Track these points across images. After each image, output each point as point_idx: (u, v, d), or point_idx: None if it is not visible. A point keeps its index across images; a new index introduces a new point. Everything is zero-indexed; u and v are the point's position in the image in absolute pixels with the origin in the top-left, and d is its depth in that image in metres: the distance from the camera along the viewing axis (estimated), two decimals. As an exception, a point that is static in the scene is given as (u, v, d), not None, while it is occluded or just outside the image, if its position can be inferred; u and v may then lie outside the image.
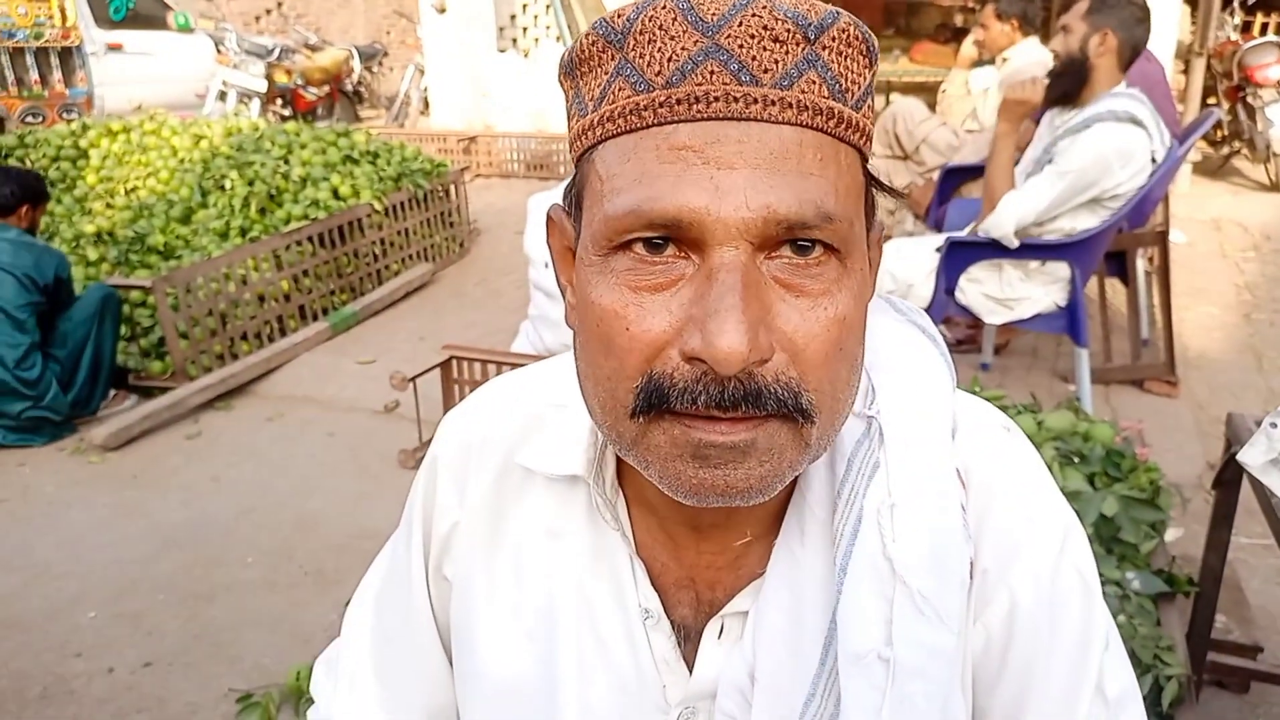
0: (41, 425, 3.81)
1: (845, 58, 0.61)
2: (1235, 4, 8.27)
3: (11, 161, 5.53)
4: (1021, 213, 3.12)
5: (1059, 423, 2.31)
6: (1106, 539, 2.05)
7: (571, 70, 0.65)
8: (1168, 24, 6.20)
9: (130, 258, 4.65)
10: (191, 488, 3.46)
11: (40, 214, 4.08)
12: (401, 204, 5.48)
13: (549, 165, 7.85)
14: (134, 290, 4.27)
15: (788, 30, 0.59)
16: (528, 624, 0.81)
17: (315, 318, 4.85)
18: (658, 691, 0.77)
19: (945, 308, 3.35)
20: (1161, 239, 3.91)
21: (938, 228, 3.95)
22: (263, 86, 9.25)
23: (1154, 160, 3.11)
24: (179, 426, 3.94)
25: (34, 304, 3.78)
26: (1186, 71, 7.11)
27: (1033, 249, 3.21)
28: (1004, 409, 2.41)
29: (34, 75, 8.29)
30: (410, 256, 5.58)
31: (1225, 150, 7.69)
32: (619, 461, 0.77)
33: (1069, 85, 3.16)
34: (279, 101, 9.99)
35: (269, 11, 14.14)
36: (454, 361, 3.43)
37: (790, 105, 0.59)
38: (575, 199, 0.67)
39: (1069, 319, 3.31)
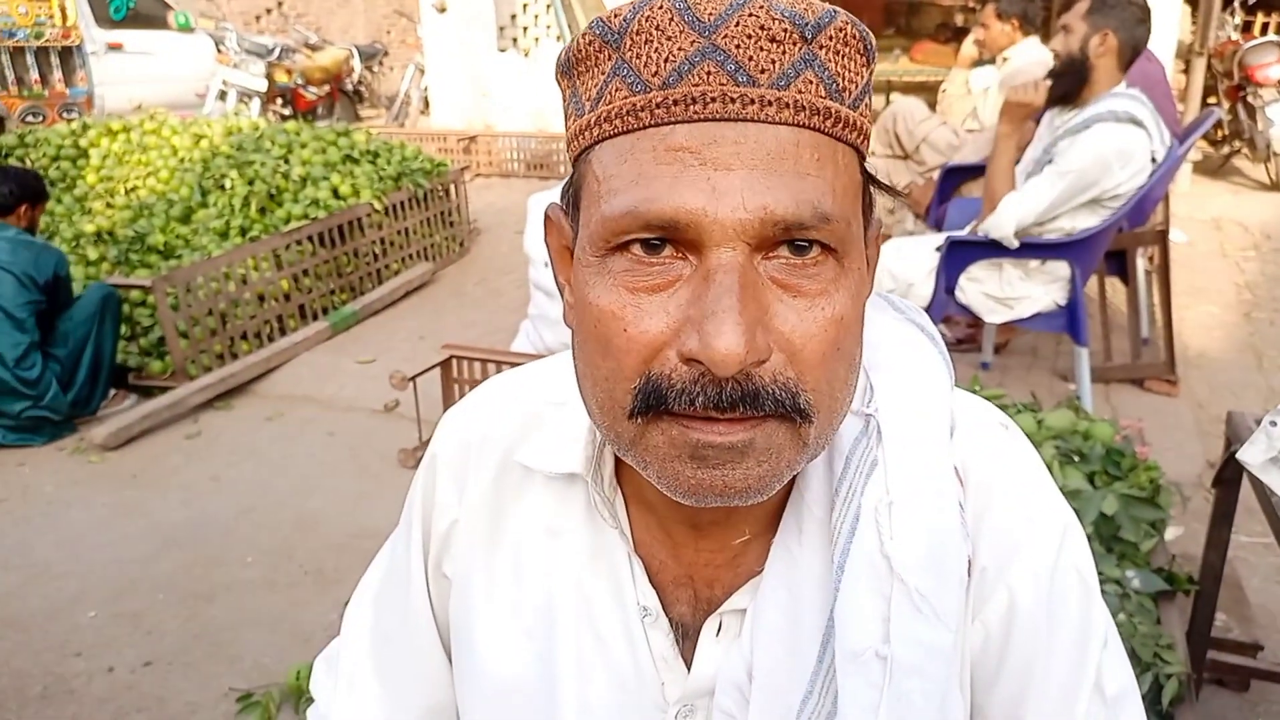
0: (41, 425, 3.81)
1: (842, 57, 0.61)
2: (1236, 4, 8.27)
3: (12, 161, 5.53)
4: (1022, 213, 3.12)
5: (1059, 421, 2.31)
6: (1107, 537, 2.05)
7: (569, 70, 0.65)
8: (1168, 23, 6.20)
9: (130, 257, 4.65)
10: (191, 487, 3.46)
11: (39, 213, 4.09)
12: (401, 203, 5.48)
13: (549, 165, 7.84)
14: (134, 290, 4.27)
15: (785, 30, 0.58)
16: (527, 622, 0.81)
17: (315, 317, 4.85)
18: (656, 689, 0.77)
19: (945, 307, 3.35)
20: (1162, 238, 3.91)
21: (938, 227, 3.95)
22: (263, 86, 9.25)
23: (1154, 160, 3.11)
24: (179, 426, 3.94)
25: (33, 303, 3.78)
26: (1187, 71, 7.11)
27: (1033, 248, 3.21)
28: (1004, 408, 2.41)
29: (34, 75, 8.29)
30: (410, 256, 5.58)
31: (1225, 150, 7.69)
32: (617, 460, 0.77)
33: (1069, 85, 3.16)
34: (279, 101, 9.98)
35: (269, 11, 14.14)
36: (454, 361, 3.43)
37: (787, 105, 0.59)
38: (573, 198, 0.67)
39: (1069, 318, 3.31)
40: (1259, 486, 1.70)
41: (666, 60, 0.59)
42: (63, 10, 8.34)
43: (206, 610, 2.74)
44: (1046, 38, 4.17)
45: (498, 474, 0.83)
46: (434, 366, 3.41)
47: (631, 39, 0.60)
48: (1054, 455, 2.17)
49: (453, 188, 6.00)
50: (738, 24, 0.58)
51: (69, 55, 8.54)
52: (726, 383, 0.59)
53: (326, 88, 10.62)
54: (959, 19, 9.99)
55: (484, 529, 0.83)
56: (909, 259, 3.37)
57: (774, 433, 0.61)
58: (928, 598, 0.67)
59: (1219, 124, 7.47)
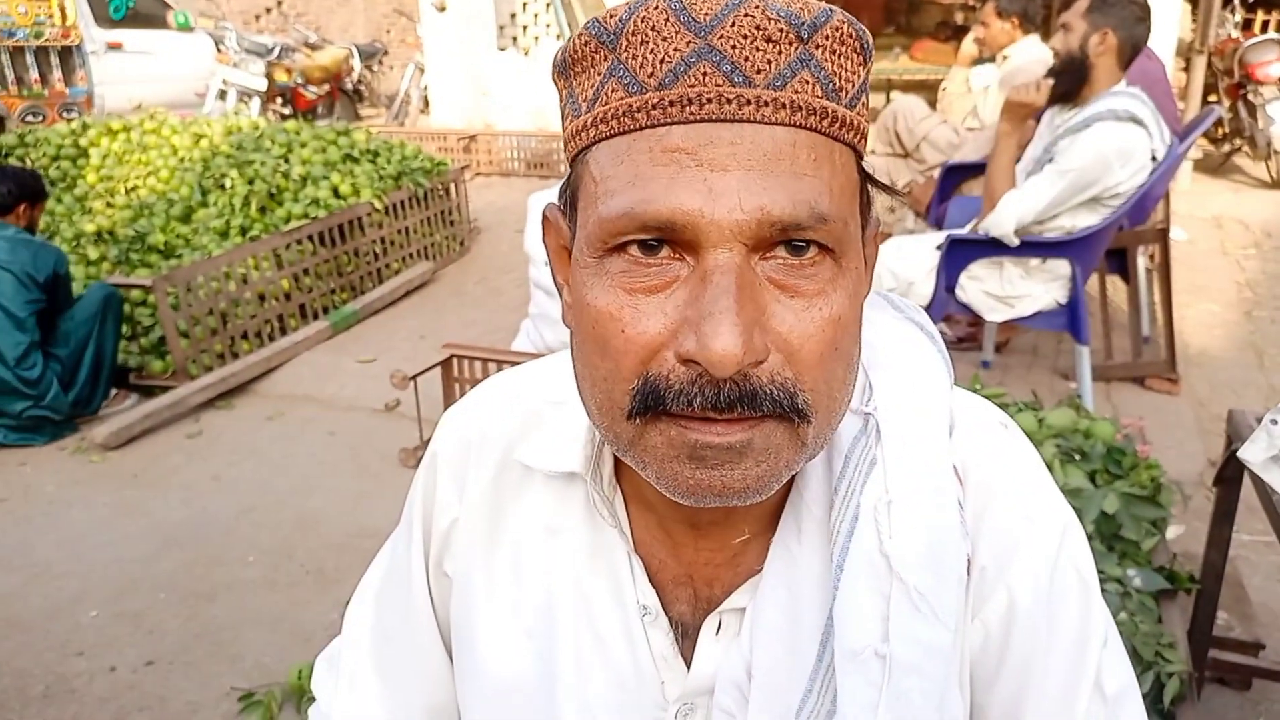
0: (42, 424, 3.82)
1: (839, 56, 0.61)
2: (1236, 2, 8.26)
3: (12, 161, 5.54)
4: (1022, 212, 3.12)
5: (1060, 420, 2.31)
6: (1108, 536, 2.05)
7: (565, 70, 0.65)
8: (1168, 21, 6.20)
9: (131, 257, 4.66)
10: (192, 487, 3.46)
11: (39, 212, 4.09)
12: (402, 202, 5.48)
13: (549, 164, 7.85)
14: (134, 289, 4.27)
15: (780, 30, 0.58)
16: (527, 621, 0.81)
17: (315, 316, 4.85)
18: (656, 688, 0.77)
19: (946, 305, 3.35)
20: (1162, 236, 3.90)
21: (938, 225, 3.95)
22: (263, 85, 9.25)
23: (1154, 158, 3.11)
24: (180, 425, 3.95)
25: (33, 301, 3.78)
26: (1187, 69, 7.11)
27: (1033, 246, 3.21)
28: (1005, 406, 2.41)
29: (34, 74, 8.29)
30: (410, 255, 5.58)
31: (1226, 148, 7.69)
32: (617, 459, 0.77)
33: (1069, 84, 3.16)
34: (279, 100, 9.99)
35: (269, 10, 14.14)
36: (454, 360, 3.43)
37: (783, 106, 0.58)
38: (570, 199, 0.67)
39: (1070, 316, 3.31)
40: (1260, 485, 1.70)
41: (662, 61, 0.59)
42: (62, 10, 8.34)
43: (208, 610, 2.74)
44: (1047, 36, 4.16)
45: (497, 472, 0.83)
46: (434, 366, 3.41)
47: (627, 40, 0.60)
48: (1055, 454, 2.17)
49: (453, 187, 6.00)
50: (733, 24, 0.58)
51: (69, 55, 8.55)
52: (724, 383, 0.58)
53: (326, 87, 10.63)
54: (959, 17, 9.99)
55: (484, 527, 0.84)
56: (909, 257, 3.37)
57: (772, 433, 0.61)
58: (926, 597, 0.67)
59: (1219, 122, 7.47)
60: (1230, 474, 1.96)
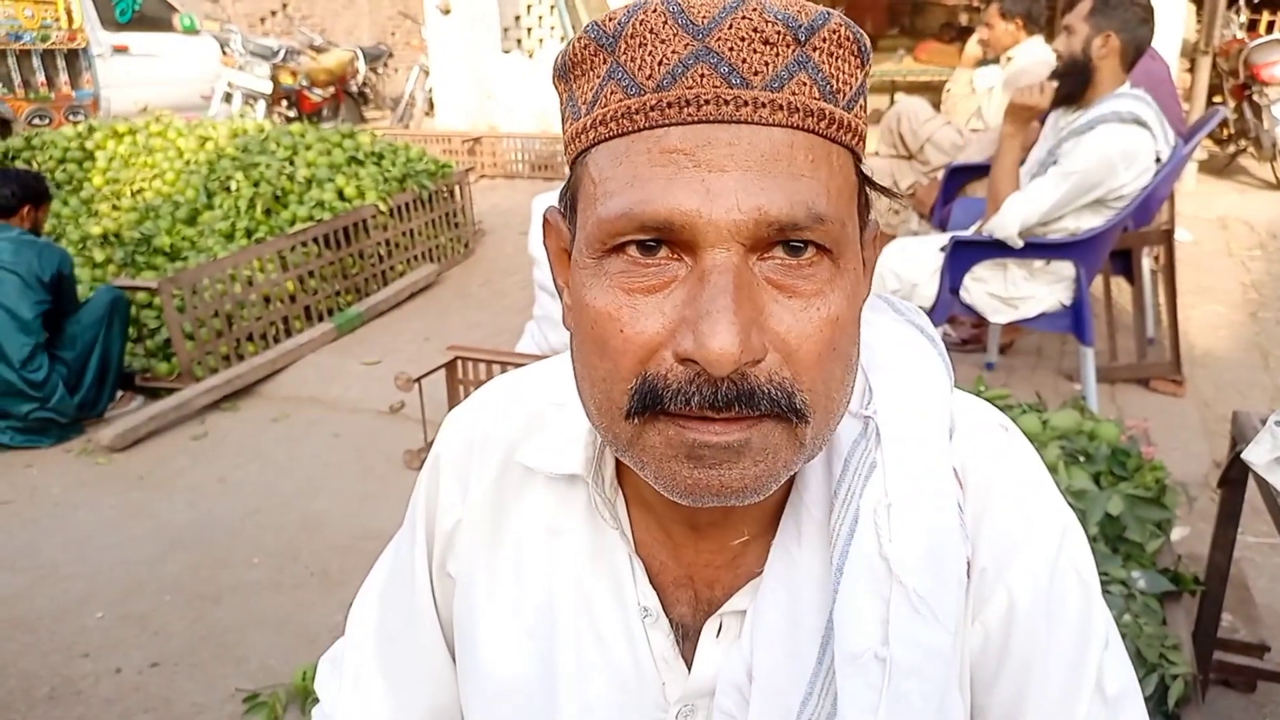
0: (48, 427, 3.83)
1: (836, 59, 0.61)
2: (1241, 2, 8.24)
3: (19, 164, 5.56)
4: (1026, 214, 3.12)
5: (1064, 422, 2.31)
6: (1112, 538, 2.04)
7: (565, 73, 0.66)
8: (1173, 22, 6.19)
9: (136, 259, 4.67)
10: (197, 489, 3.47)
11: (43, 215, 4.09)
12: (406, 205, 5.49)
13: (553, 166, 7.86)
14: (140, 292, 4.29)
15: (778, 32, 0.59)
16: (528, 622, 0.81)
17: (320, 319, 4.86)
18: (656, 689, 0.77)
19: (950, 307, 3.35)
20: (1167, 237, 3.90)
21: (942, 227, 3.95)
22: (268, 88, 9.27)
23: (1158, 160, 3.11)
24: (185, 427, 3.96)
25: (39, 303, 3.79)
26: (1192, 70, 7.09)
27: (1037, 248, 3.20)
28: (1009, 408, 2.41)
29: (40, 77, 8.31)
30: (415, 257, 5.58)
31: (1231, 148, 7.67)
32: (618, 461, 0.77)
33: (1072, 86, 3.16)
34: (284, 103, 10.01)
35: (274, 13, 14.18)
36: (459, 362, 3.44)
37: (781, 107, 0.59)
38: (570, 201, 0.68)
39: (1074, 318, 3.30)
40: (1265, 486, 1.69)
41: (660, 63, 0.59)
42: (68, 13, 8.37)
43: (213, 611, 2.74)
44: (1051, 37, 4.16)
45: (500, 473, 0.84)
46: (439, 368, 3.42)
47: (626, 42, 0.61)
48: (1059, 455, 2.16)
49: (457, 189, 6.01)
50: (731, 27, 0.58)
51: (75, 58, 8.57)
52: (722, 382, 0.59)
53: (331, 89, 10.65)
54: (963, 18, 10.00)
55: (487, 528, 0.84)
56: (914, 259, 3.37)
57: (770, 432, 0.61)
58: (926, 599, 0.67)
59: (1224, 123, 7.45)
60: (1235, 475, 1.96)
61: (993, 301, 3.33)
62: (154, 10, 9.59)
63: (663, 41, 0.59)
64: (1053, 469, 2.10)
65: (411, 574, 0.90)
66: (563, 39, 8.21)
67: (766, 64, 0.59)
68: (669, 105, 0.59)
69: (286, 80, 9.89)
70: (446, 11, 8.41)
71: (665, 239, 0.60)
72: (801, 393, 0.61)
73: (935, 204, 4.20)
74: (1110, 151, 3.02)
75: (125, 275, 4.55)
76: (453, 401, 3.43)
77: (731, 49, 0.58)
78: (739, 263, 0.59)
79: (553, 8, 8.61)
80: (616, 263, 0.61)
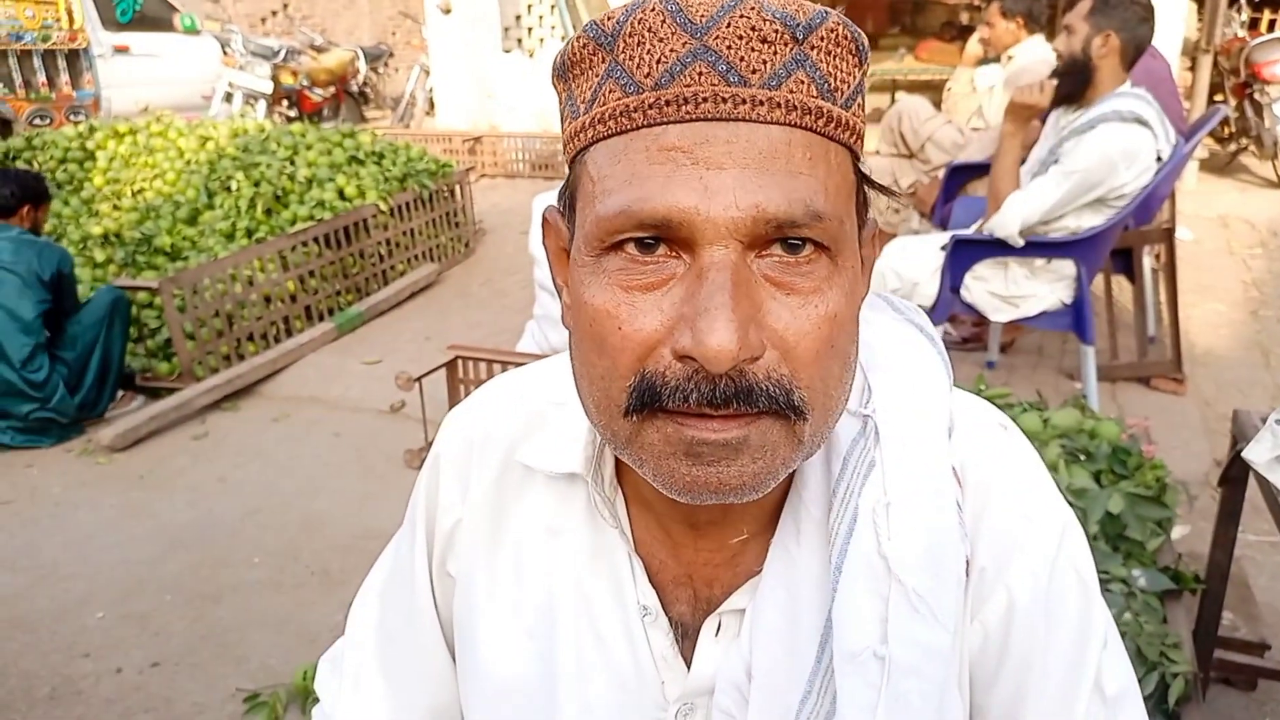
0: (49, 427, 3.83)
1: (834, 57, 0.61)
2: (1242, 0, 8.24)
3: (19, 164, 5.56)
4: (1026, 213, 3.12)
5: (1065, 420, 2.31)
6: (1113, 536, 2.04)
7: (564, 73, 0.66)
8: (1174, 21, 6.18)
9: (137, 259, 4.67)
10: (198, 488, 3.47)
11: (43, 215, 4.09)
12: (407, 204, 5.49)
13: (554, 165, 7.86)
14: (141, 291, 4.29)
15: (776, 31, 0.59)
16: (528, 621, 0.81)
17: (321, 318, 4.86)
18: (656, 688, 0.77)
19: (950, 305, 3.34)
20: (1168, 236, 3.90)
21: (943, 225, 3.95)
22: (268, 88, 9.28)
23: (1159, 158, 3.11)
24: (186, 427, 3.96)
25: (40, 303, 3.79)
26: (1193, 68, 7.08)
27: (1038, 247, 3.20)
28: (1009, 407, 2.41)
29: (41, 78, 8.32)
30: (416, 257, 5.59)
31: (1232, 147, 7.66)
32: (617, 460, 0.77)
33: (1073, 85, 3.16)
34: (285, 103, 10.01)
35: (275, 13, 14.18)
36: (459, 361, 3.44)
37: (779, 105, 0.59)
38: (569, 200, 0.68)
39: (1075, 316, 3.30)
40: (1265, 485, 1.69)
41: (659, 61, 0.59)
42: (69, 13, 8.37)
43: (213, 611, 2.75)
44: (1052, 35, 4.16)
45: (500, 473, 0.84)
46: (439, 367, 3.42)
47: (624, 41, 0.61)
48: (1060, 454, 2.16)
49: (458, 188, 6.01)
50: (729, 25, 0.59)
51: (76, 58, 8.57)
52: (720, 379, 0.59)
53: (332, 89, 10.65)
54: (964, 17, 10.00)
55: (487, 528, 0.84)
56: (914, 258, 3.37)
57: (768, 429, 0.61)
58: (925, 598, 0.67)
59: (1225, 121, 7.44)
60: (1235, 474, 1.96)
61: (993, 300, 3.33)
62: (155, 10, 9.60)
63: (661, 40, 0.59)
64: (1053, 467, 2.10)
65: (411, 573, 0.90)
66: (563, 38, 8.21)
67: (764, 62, 0.59)
68: (667, 103, 0.59)
69: (287, 80, 9.90)
70: (447, 11, 8.41)
71: (663, 236, 0.60)
72: (800, 390, 0.61)
73: (936, 203, 4.20)
74: (1111, 150, 3.02)
75: (126, 275, 4.55)
76: (453, 401, 3.43)
77: (729, 47, 0.59)
78: (737, 260, 0.59)
79: (553, 7, 8.61)
80: (615, 260, 0.61)
